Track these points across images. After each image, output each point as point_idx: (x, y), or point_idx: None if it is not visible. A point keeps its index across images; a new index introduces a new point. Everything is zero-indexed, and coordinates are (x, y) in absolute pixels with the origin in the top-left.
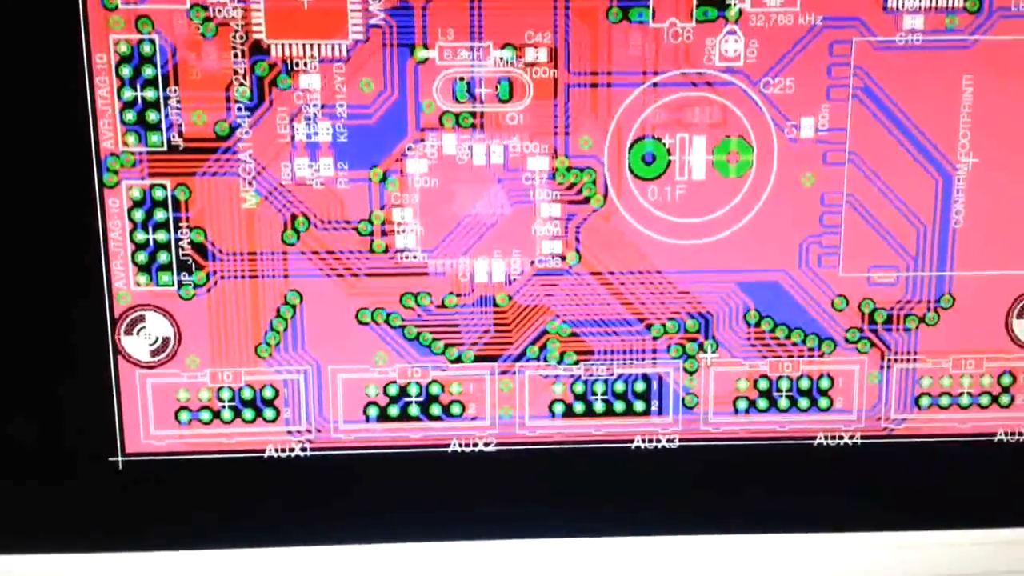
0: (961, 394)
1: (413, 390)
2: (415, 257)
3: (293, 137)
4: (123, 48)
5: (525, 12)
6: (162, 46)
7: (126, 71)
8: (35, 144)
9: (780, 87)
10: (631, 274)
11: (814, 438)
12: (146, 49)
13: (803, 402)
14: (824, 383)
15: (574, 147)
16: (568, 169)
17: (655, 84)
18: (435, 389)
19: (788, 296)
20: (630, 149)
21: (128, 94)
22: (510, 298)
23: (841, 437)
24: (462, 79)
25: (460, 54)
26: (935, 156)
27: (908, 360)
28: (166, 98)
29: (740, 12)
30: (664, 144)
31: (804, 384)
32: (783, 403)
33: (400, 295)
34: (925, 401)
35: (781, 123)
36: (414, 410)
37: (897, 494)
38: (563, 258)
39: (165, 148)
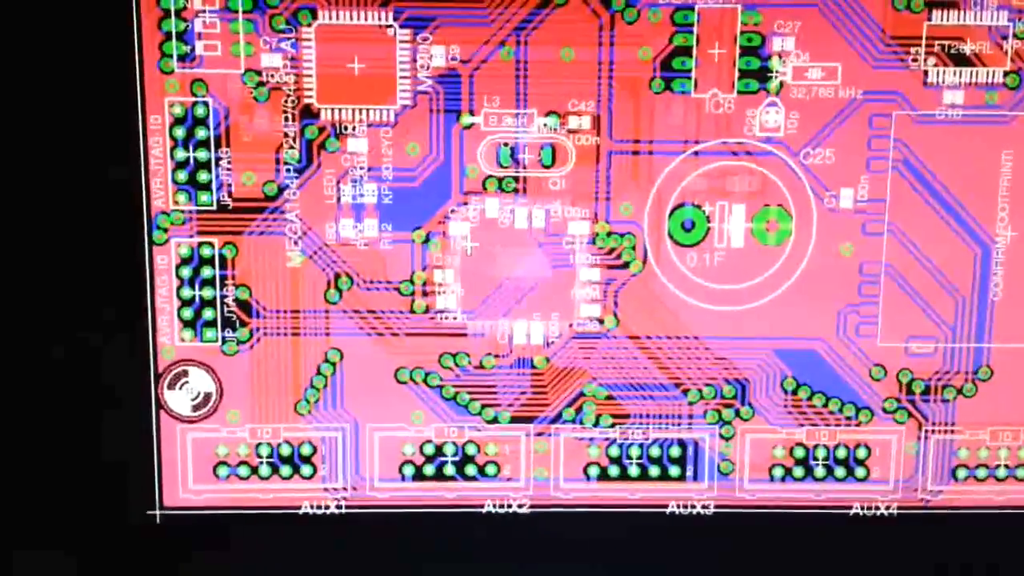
0: (998, 466)
1: (449, 450)
2: (455, 318)
3: (339, 199)
4: (177, 110)
5: (569, 81)
6: (215, 108)
7: (179, 132)
8: (89, 200)
9: (820, 158)
10: (668, 339)
11: (850, 508)
12: (199, 111)
13: (839, 471)
14: (861, 453)
15: (615, 213)
16: (608, 234)
17: (696, 153)
18: (471, 449)
19: (825, 364)
20: (670, 215)
21: (181, 154)
22: (548, 360)
23: (877, 508)
24: (506, 144)
25: (505, 120)
26: (974, 228)
27: (945, 431)
28: (217, 159)
29: (781, 84)
30: (704, 211)
31: (841, 453)
32: (819, 472)
33: (439, 355)
34: (962, 473)
35: (820, 193)
36: (449, 470)
37: (933, 566)
38: (601, 322)
39: (215, 207)
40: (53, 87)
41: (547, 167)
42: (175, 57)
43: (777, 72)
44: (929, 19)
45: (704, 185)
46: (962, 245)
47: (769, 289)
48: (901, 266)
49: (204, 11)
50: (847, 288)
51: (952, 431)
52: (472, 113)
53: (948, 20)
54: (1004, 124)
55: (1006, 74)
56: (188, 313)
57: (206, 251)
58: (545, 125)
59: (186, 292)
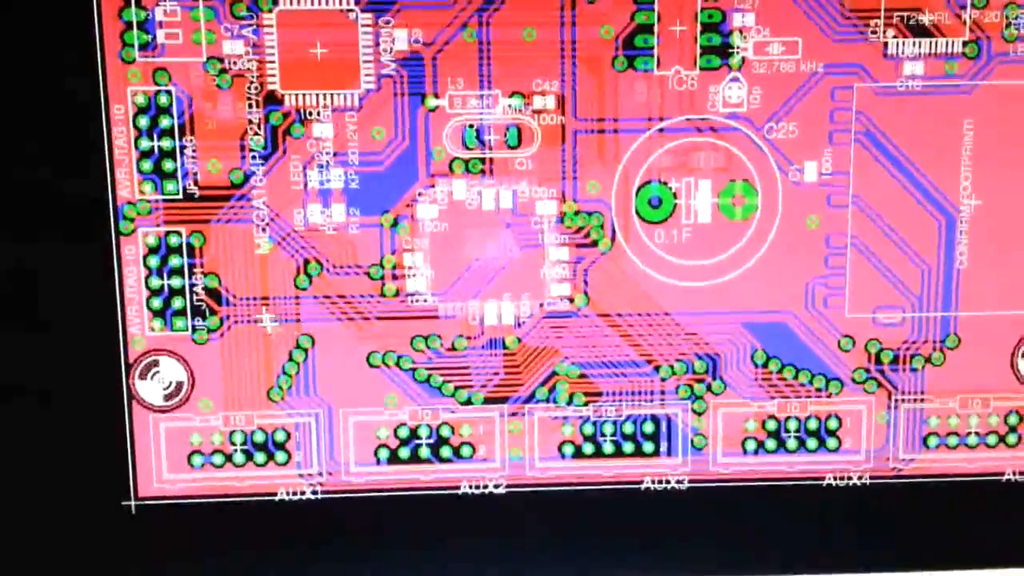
0: (969, 434)
1: (423, 432)
2: (425, 301)
3: (306, 184)
4: (140, 99)
5: (533, 61)
6: (179, 97)
7: (143, 122)
8: (53, 192)
9: (783, 132)
10: (639, 316)
11: (823, 478)
12: (163, 100)
13: (811, 443)
14: (832, 423)
15: (582, 192)
16: (576, 213)
17: (661, 130)
18: (445, 431)
19: (795, 337)
20: (637, 193)
21: (145, 144)
22: (519, 340)
23: (850, 477)
24: (471, 126)
25: (470, 102)
26: (937, 198)
27: (915, 400)
28: (182, 148)
29: (743, 60)
30: (670, 188)
31: (812, 425)
32: (791, 444)
33: (411, 338)
34: (933, 441)
35: (785, 167)
36: (425, 452)
37: (906, 534)
38: (571, 300)
39: (181, 196)
40: (15, 79)
41: (513, 148)
42: (136, 46)
43: (738, 48)
44: None
45: (670, 162)
46: (926, 215)
47: (737, 264)
48: (867, 237)
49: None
50: (814, 260)
51: (922, 400)
52: (436, 96)
53: None
54: (965, 94)
55: (965, 44)
56: (157, 303)
57: (173, 240)
58: (510, 106)
59: (155, 282)
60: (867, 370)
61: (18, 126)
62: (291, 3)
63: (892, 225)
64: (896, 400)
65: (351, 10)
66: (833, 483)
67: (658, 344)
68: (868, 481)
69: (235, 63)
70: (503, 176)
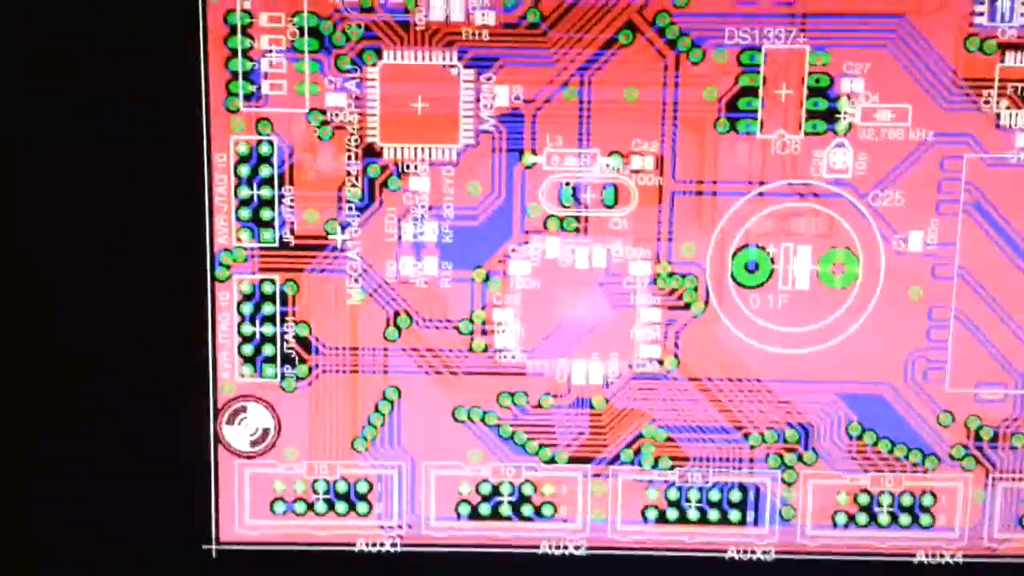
0: None
1: (505, 489)
2: (514, 357)
3: (400, 237)
4: (242, 148)
5: (633, 120)
6: (280, 147)
7: (244, 170)
8: (153, 237)
9: (889, 200)
10: (730, 381)
11: (914, 555)
12: (264, 150)
13: (904, 518)
14: (926, 500)
15: (676, 253)
16: (670, 275)
17: (761, 194)
18: (528, 489)
19: (892, 410)
20: (733, 257)
21: (245, 192)
22: (607, 401)
23: (942, 555)
24: (568, 184)
25: (567, 160)
26: None
27: (1013, 479)
28: (280, 197)
29: (850, 126)
30: (768, 253)
31: (906, 500)
32: (883, 519)
33: (497, 394)
34: None
35: (889, 236)
36: (506, 509)
37: None
38: (661, 363)
39: (277, 244)
40: (122, 124)
41: (609, 207)
42: (241, 96)
43: (846, 113)
44: (1002, 61)
45: (769, 226)
46: None
47: (835, 333)
48: (971, 311)
49: (271, 51)
50: (915, 332)
51: (1020, 479)
52: (535, 152)
53: (1021, 62)
54: None
55: None
56: (248, 349)
57: (267, 288)
58: (608, 165)
59: (247, 328)
60: (966, 446)
61: (123, 171)
62: (395, 58)
63: (998, 299)
64: (993, 478)
65: (453, 66)
66: (925, 560)
67: (749, 411)
68: (961, 560)
69: (337, 115)
70: (598, 235)
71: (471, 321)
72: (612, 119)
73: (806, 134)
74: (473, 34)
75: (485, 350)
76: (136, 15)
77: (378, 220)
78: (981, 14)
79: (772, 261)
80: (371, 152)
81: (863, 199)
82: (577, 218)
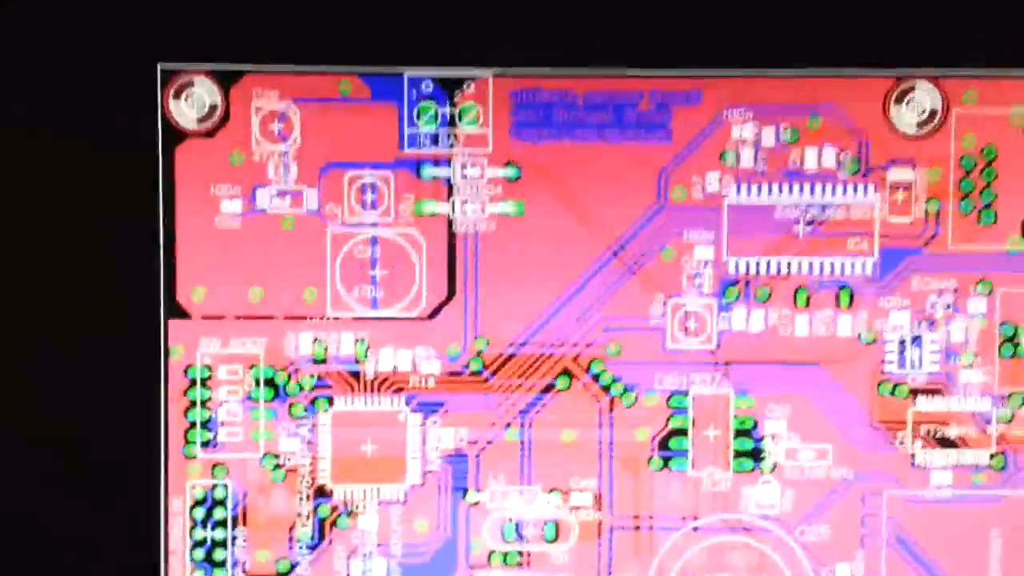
0: None
1: None
2: None
3: (348, 574)
4: (198, 493)
5: (571, 459)
6: (234, 490)
7: (199, 513)
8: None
9: (815, 534)
10: None
11: None
12: (219, 493)
13: None
14: None
15: None
16: None
17: (695, 528)
18: None
19: None
20: None
21: (199, 534)
22: None
23: None
24: (510, 520)
25: (510, 497)
26: None
27: None
28: (234, 538)
29: (775, 464)
30: None
31: None
32: None
33: None
34: None
35: (817, 568)
36: None
37: None
38: None
39: None
40: (86, 483)
41: (550, 542)
42: (199, 444)
43: (770, 452)
44: (914, 405)
45: (704, 559)
46: None
47: None
48: None
49: (227, 401)
50: None
51: None
52: (478, 491)
53: (933, 407)
54: (992, 503)
55: (991, 456)
56: None
57: None
58: (548, 502)
59: None
60: None
61: (78, 506)
62: (346, 404)
63: None
64: None
65: (400, 411)
66: None
67: None
68: None
69: (290, 459)
70: (540, 568)
71: None
72: (551, 458)
73: (735, 472)
74: (420, 382)
75: None
76: (98, 371)
77: (327, 558)
78: (892, 362)
79: None
80: (322, 493)
81: (791, 533)
82: (520, 552)
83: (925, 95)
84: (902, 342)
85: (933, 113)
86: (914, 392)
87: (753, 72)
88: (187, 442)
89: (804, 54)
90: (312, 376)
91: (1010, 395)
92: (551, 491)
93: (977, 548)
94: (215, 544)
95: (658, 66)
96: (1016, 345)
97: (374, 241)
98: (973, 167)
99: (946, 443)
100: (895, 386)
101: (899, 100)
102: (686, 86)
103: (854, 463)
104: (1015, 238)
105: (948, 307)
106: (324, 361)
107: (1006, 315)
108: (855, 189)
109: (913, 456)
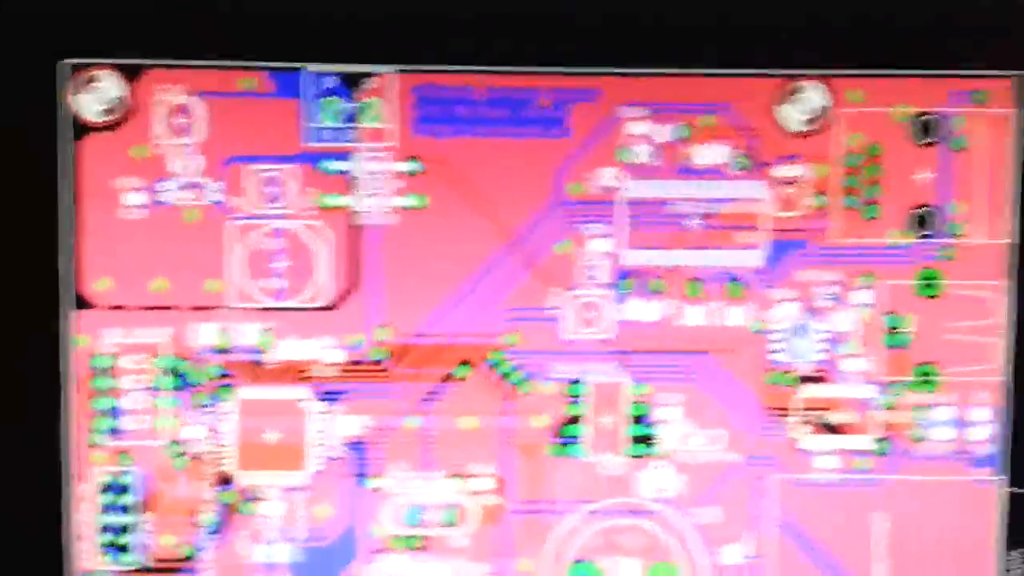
0: None
1: None
2: None
3: (252, 558)
4: (104, 479)
5: (472, 446)
6: (140, 477)
7: (106, 499)
8: (10, 563)
9: (707, 517)
10: None
11: None
12: (125, 479)
13: None
14: None
15: (515, 570)
16: None
17: (592, 512)
18: None
19: None
20: (569, 572)
21: (105, 519)
22: None
23: None
24: (412, 506)
25: (411, 483)
26: None
27: None
28: (139, 523)
29: (668, 450)
30: (600, 567)
31: None
32: None
33: None
34: None
35: (709, 549)
36: None
37: None
38: None
39: (137, 567)
40: None
41: (450, 526)
42: (104, 431)
43: (663, 438)
44: (800, 392)
45: (600, 542)
46: None
47: None
48: None
49: (133, 390)
50: None
51: None
52: (379, 476)
53: (819, 394)
54: (875, 487)
55: (876, 441)
56: None
57: None
58: (449, 487)
59: None
60: None
61: None
62: (249, 393)
63: None
64: None
65: (303, 399)
66: None
67: None
68: None
69: (194, 447)
70: (440, 553)
71: None
72: (452, 445)
73: (630, 456)
74: (322, 371)
75: None
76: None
77: (232, 543)
78: (779, 351)
79: (604, 575)
80: (225, 480)
81: (684, 515)
82: (421, 537)
83: (813, 95)
84: (789, 331)
85: (821, 111)
86: (801, 380)
87: (649, 71)
88: (92, 430)
89: (698, 55)
90: (216, 366)
91: (892, 383)
92: (452, 476)
93: (860, 530)
94: (122, 529)
95: (558, 64)
96: (898, 335)
97: (278, 233)
98: (858, 164)
99: (831, 429)
100: (782, 373)
101: (788, 99)
102: (584, 84)
103: (744, 448)
104: (896, 232)
105: (833, 298)
106: (228, 351)
107: (889, 306)
108: (745, 185)
109: (799, 441)
